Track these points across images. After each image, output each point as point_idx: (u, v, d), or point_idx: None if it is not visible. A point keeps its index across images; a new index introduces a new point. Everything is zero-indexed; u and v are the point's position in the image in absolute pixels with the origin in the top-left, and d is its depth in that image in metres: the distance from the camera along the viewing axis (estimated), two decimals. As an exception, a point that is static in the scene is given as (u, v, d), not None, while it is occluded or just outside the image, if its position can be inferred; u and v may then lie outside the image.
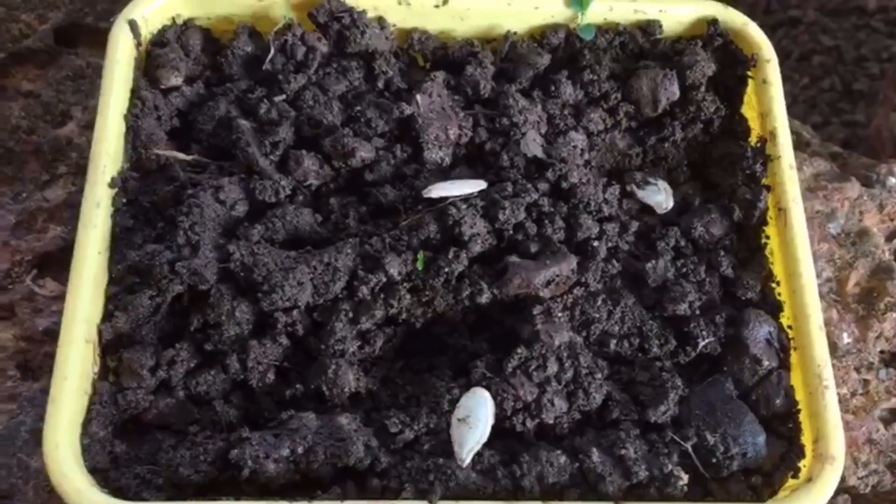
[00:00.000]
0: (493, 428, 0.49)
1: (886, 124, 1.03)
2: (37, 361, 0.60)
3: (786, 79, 0.62)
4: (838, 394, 0.53)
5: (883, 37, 1.34)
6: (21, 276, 0.62)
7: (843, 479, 0.58)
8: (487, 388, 0.49)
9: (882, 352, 0.64)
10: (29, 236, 0.63)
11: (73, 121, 0.67)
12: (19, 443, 0.57)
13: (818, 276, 0.61)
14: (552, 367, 0.50)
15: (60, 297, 0.61)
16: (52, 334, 0.60)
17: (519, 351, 0.50)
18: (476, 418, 0.48)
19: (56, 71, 0.70)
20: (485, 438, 0.48)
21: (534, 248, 0.53)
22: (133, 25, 0.57)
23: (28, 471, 0.56)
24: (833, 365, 0.52)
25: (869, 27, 1.36)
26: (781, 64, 0.61)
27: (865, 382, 0.63)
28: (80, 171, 0.65)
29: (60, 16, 0.71)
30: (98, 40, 0.71)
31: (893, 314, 0.64)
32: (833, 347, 0.62)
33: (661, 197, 0.57)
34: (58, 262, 0.63)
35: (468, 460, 0.47)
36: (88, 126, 0.67)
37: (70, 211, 0.64)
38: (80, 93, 0.69)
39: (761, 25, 0.61)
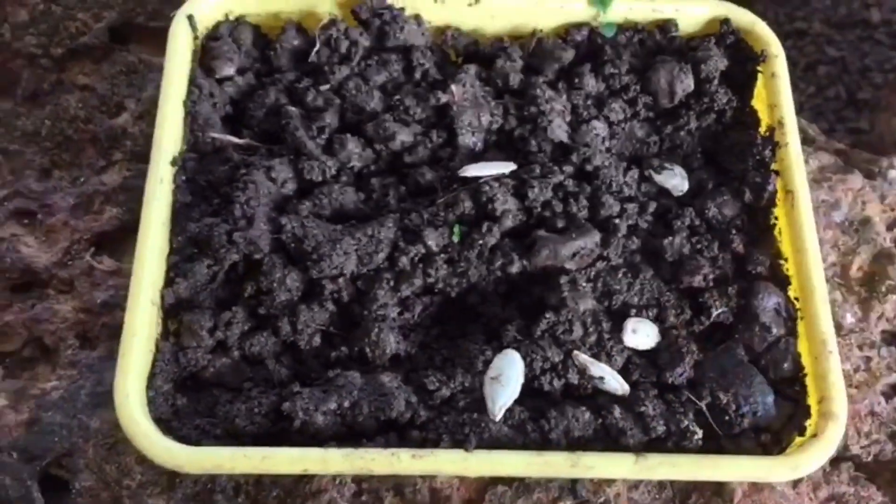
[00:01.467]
0: (523, 387, 0.53)
1: (889, 129, 1.07)
2: (95, 332, 0.64)
3: (793, 88, 0.66)
4: (843, 370, 0.57)
5: (886, 48, 1.39)
6: (80, 254, 0.66)
7: (846, 448, 0.62)
8: (518, 349, 0.54)
9: (883, 331, 0.68)
10: (87, 217, 0.67)
11: (127, 111, 0.72)
12: (80, 405, 0.61)
13: (824, 260, 0.65)
14: (577, 331, 0.54)
15: (117, 273, 0.65)
16: (109, 307, 0.64)
17: (547, 316, 0.54)
18: (507, 377, 0.53)
19: (110, 66, 0.74)
20: (516, 395, 0.52)
21: (560, 224, 0.57)
22: (191, 20, 0.62)
23: (88, 431, 0.60)
24: (838, 343, 0.56)
25: (873, 39, 1.41)
26: (788, 74, 0.65)
27: (868, 359, 0.67)
28: (134, 157, 0.70)
29: (114, 15, 0.76)
30: (148, 38, 0.76)
31: (894, 296, 0.68)
32: (838, 327, 0.66)
33: (676, 180, 0.61)
34: (114, 241, 0.67)
35: (500, 415, 0.52)
36: (141, 117, 0.72)
37: (126, 194, 0.68)
38: (132, 86, 0.73)
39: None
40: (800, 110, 0.65)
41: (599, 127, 0.62)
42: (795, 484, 0.59)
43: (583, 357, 0.53)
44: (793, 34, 1.45)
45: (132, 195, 0.67)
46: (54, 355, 0.63)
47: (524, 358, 0.53)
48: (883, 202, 0.73)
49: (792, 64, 0.70)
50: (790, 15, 1.44)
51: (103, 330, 0.64)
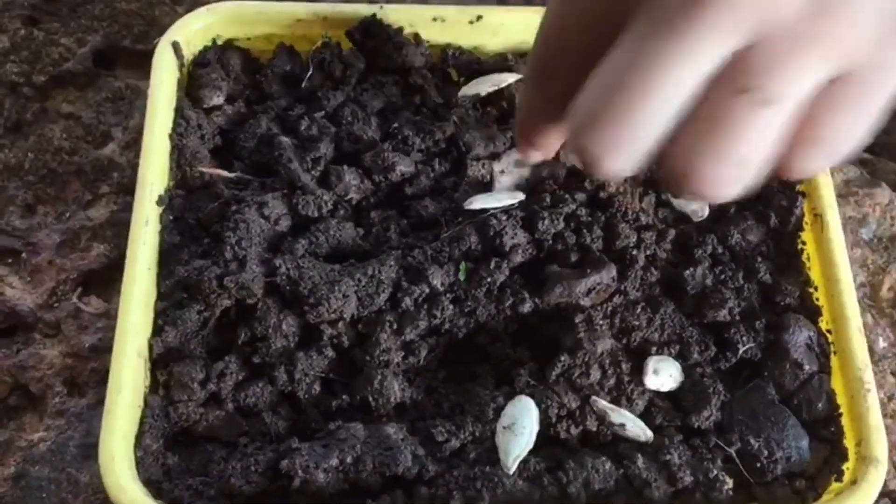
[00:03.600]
0: (538, 435, 0.49)
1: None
2: (83, 378, 0.61)
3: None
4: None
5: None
6: (67, 294, 0.63)
7: (884, 484, 0.58)
8: (532, 395, 0.50)
9: (919, 355, 0.64)
10: (73, 255, 0.64)
11: (114, 141, 0.68)
12: (68, 458, 0.58)
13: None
14: (595, 374, 0.51)
15: (105, 315, 0.62)
16: (98, 351, 0.61)
17: (562, 359, 0.51)
18: (521, 425, 0.49)
19: (95, 93, 0.71)
20: (530, 446, 0.49)
21: (573, 258, 0.53)
22: (176, 47, 0.58)
23: (77, 485, 0.57)
24: (872, 372, 0.52)
25: None
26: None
27: (903, 386, 0.63)
28: (121, 189, 0.67)
29: (98, 39, 0.73)
30: (135, 62, 0.73)
31: (928, 318, 0.65)
32: (870, 352, 0.62)
33: (696, 205, 0.57)
34: (102, 280, 0.64)
35: (514, 468, 0.48)
36: (128, 146, 0.68)
37: (113, 229, 0.65)
38: (119, 114, 0.70)
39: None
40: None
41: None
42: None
43: (602, 403, 0.50)
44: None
45: (120, 230, 0.64)
46: (41, 404, 0.60)
47: (539, 405, 0.50)
48: (913, 217, 0.69)
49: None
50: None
51: (92, 376, 0.61)
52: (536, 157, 0.49)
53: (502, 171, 0.57)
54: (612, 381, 0.51)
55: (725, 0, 0.33)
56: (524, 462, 0.49)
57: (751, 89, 0.35)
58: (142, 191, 0.53)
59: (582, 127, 0.36)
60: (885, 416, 0.61)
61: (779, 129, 0.36)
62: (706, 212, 0.57)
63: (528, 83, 0.46)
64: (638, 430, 0.50)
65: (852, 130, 0.38)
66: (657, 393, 0.51)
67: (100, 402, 0.56)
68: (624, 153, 0.36)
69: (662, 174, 0.38)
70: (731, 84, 0.35)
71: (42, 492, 0.57)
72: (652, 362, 0.51)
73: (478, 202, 0.53)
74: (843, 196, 0.69)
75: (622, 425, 0.50)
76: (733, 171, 0.36)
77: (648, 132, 0.36)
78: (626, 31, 0.36)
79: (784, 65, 0.35)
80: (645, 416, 0.51)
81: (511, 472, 0.48)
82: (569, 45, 0.42)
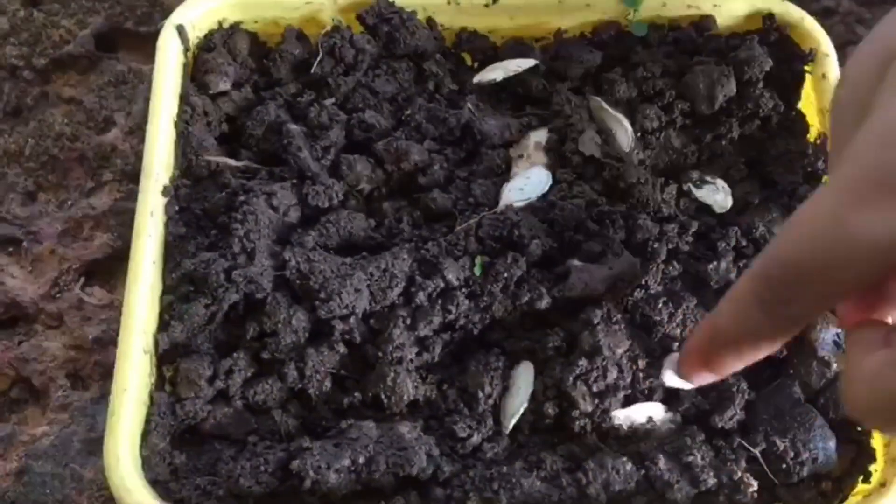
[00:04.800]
0: (556, 430, 0.48)
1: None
2: (87, 370, 0.59)
3: (821, 70, 0.60)
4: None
5: (919, 26, 1.32)
6: (69, 285, 0.61)
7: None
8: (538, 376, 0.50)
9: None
10: (76, 244, 0.63)
11: (117, 127, 0.67)
12: (72, 453, 0.56)
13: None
14: (612, 374, 0.49)
15: (109, 306, 0.61)
16: (102, 343, 0.59)
17: (581, 363, 0.49)
18: (517, 386, 0.49)
19: (97, 76, 0.69)
20: (525, 404, 0.48)
21: (595, 249, 0.52)
22: (181, 31, 0.56)
23: (81, 481, 0.56)
24: None
25: (905, 16, 1.34)
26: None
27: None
28: (125, 177, 0.65)
29: (100, 21, 0.71)
30: (138, 45, 0.71)
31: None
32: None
33: (720, 196, 0.55)
34: (106, 270, 0.62)
35: (510, 426, 0.48)
36: (132, 132, 0.66)
37: (116, 218, 0.63)
38: (122, 98, 0.68)
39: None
40: (829, 94, 0.59)
41: (633, 137, 0.56)
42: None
43: (621, 415, 0.48)
44: (819, 13, 1.39)
45: (124, 219, 0.62)
46: (44, 397, 0.59)
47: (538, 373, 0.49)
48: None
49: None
50: (816, -8, 1.38)
51: (96, 368, 0.59)
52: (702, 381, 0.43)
53: (521, 156, 0.55)
54: (628, 380, 0.49)
55: None
56: (541, 461, 0.47)
57: None
58: (146, 181, 0.52)
59: None
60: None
61: None
62: (729, 203, 0.55)
63: (749, 306, 0.36)
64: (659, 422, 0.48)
65: None
66: (678, 391, 0.50)
67: (104, 395, 0.55)
68: None
69: None
70: None
71: (45, 488, 0.55)
72: (672, 360, 0.50)
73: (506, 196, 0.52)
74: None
75: (642, 424, 0.48)
76: None
77: None
78: None
79: None
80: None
81: (507, 431, 0.48)
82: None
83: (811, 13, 0.61)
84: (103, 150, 0.66)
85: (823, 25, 0.61)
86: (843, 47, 0.71)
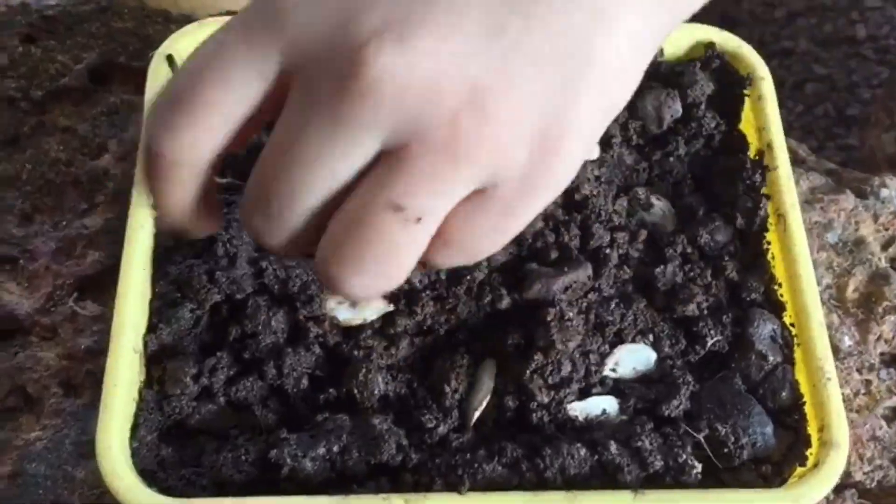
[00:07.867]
0: (517, 422, 0.52)
1: (879, 144, 1.07)
2: (79, 379, 0.63)
3: (781, 106, 0.65)
4: (842, 394, 0.55)
5: (873, 64, 1.39)
6: (63, 299, 0.65)
7: (849, 475, 0.61)
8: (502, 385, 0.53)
9: (882, 353, 0.67)
10: (69, 261, 0.66)
11: (109, 153, 0.71)
12: (64, 455, 0.59)
13: (818, 283, 0.64)
14: (566, 368, 0.53)
15: (100, 318, 0.64)
16: (94, 353, 0.63)
17: (536, 358, 0.53)
18: (481, 381, 0.53)
19: (91, 107, 0.73)
20: (487, 397, 0.52)
21: (552, 256, 0.56)
22: (170, 60, 0.61)
23: (73, 481, 0.59)
24: (836, 367, 0.55)
25: (859, 55, 1.41)
26: (776, 93, 0.64)
27: (867, 383, 0.66)
28: (116, 199, 0.69)
29: (94, 56, 0.75)
30: (130, 78, 0.75)
31: (891, 317, 0.67)
32: (835, 350, 0.65)
33: (664, 219, 0.60)
34: (97, 285, 0.66)
35: (475, 418, 0.52)
36: (123, 157, 0.71)
37: (108, 237, 0.67)
38: (114, 127, 0.72)
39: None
40: (789, 129, 0.64)
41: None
42: (799, 514, 0.57)
43: (576, 408, 0.52)
44: (779, 53, 1.46)
45: (114, 238, 0.66)
46: (38, 404, 0.62)
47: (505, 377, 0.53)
48: (876, 222, 0.72)
49: (779, 83, 0.69)
50: (776, 34, 1.45)
51: (88, 377, 0.63)
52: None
53: None
54: (581, 373, 0.53)
55: (378, 93, 0.34)
56: (502, 448, 0.51)
57: (405, 208, 0.36)
58: (138, 196, 0.56)
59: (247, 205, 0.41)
60: (850, 410, 0.64)
61: (426, 240, 0.39)
62: (671, 227, 0.60)
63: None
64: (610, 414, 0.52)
65: (487, 242, 0.40)
66: (628, 381, 0.54)
67: (95, 402, 0.58)
68: (278, 232, 0.40)
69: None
70: (382, 194, 0.37)
71: (38, 488, 0.58)
72: (622, 350, 0.54)
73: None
74: (809, 202, 0.72)
75: (594, 415, 0.52)
76: (381, 282, 0.40)
77: (299, 214, 0.39)
78: (286, 105, 0.39)
79: (438, 180, 0.36)
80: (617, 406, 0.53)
81: (472, 423, 0.52)
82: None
83: (771, 53, 0.67)
84: (96, 175, 0.70)
85: (782, 65, 0.66)
86: (802, 84, 0.76)
